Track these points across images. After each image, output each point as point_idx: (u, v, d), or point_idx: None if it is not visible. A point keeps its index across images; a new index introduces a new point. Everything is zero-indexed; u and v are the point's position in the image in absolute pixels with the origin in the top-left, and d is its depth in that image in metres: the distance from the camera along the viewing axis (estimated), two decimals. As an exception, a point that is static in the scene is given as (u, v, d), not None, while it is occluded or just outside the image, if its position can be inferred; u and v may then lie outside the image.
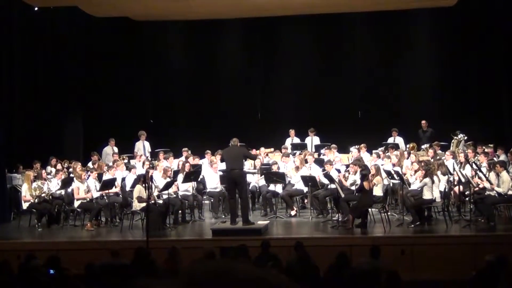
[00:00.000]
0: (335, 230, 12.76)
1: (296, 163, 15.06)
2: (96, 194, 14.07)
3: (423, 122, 18.20)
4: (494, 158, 14.52)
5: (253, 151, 15.94)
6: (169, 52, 20.95)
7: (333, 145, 16.42)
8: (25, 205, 14.06)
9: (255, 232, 12.21)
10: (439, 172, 13.16)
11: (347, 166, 14.65)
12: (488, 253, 8.28)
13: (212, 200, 15.01)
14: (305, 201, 15.27)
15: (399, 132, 17.84)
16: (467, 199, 13.53)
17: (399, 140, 17.60)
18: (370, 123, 19.26)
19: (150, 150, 18.08)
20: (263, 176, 14.77)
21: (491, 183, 12.71)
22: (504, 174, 12.66)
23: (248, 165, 15.25)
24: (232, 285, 2.25)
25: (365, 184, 12.54)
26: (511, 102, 18.34)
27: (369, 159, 15.41)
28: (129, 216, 13.84)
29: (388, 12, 18.55)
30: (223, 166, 15.34)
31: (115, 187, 14.32)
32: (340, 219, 13.03)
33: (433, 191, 12.66)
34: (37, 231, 13.75)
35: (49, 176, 15.00)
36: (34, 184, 14.10)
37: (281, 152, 16.60)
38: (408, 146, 17.14)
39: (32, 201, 13.93)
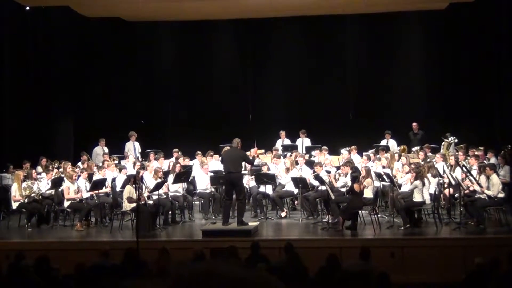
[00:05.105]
0: (325, 232, 12.75)
1: (287, 164, 15.06)
2: (86, 195, 14.03)
3: (414, 124, 18.23)
4: (485, 161, 14.55)
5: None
6: (160, 53, 20.88)
7: (324, 147, 16.42)
8: (14, 205, 14.01)
9: (245, 233, 12.21)
10: (429, 175, 13.17)
11: (338, 168, 14.66)
12: (478, 256, 8.31)
13: (202, 201, 14.98)
14: (296, 202, 15.26)
15: (392, 135, 17.85)
16: (457, 201, 13.57)
17: (392, 143, 17.60)
18: (361, 125, 19.26)
19: (140, 150, 18.05)
20: (253, 177, 14.77)
21: (481, 186, 12.73)
22: (494, 177, 12.68)
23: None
24: (218, 286, 2.25)
25: (356, 186, 12.55)
26: (502, 105, 18.38)
27: (359, 161, 15.42)
28: (119, 216, 13.78)
29: (379, 14, 18.55)
30: (215, 166, 15.36)
31: (105, 188, 14.28)
32: (330, 221, 13.02)
33: (423, 193, 12.68)
34: (26, 231, 13.69)
35: (39, 176, 14.95)
36: (24, 184, 14.05)
37: (272, 153, 16.59)
38: (398, 148, 17.16)
39: (22, 201, 13.87)
